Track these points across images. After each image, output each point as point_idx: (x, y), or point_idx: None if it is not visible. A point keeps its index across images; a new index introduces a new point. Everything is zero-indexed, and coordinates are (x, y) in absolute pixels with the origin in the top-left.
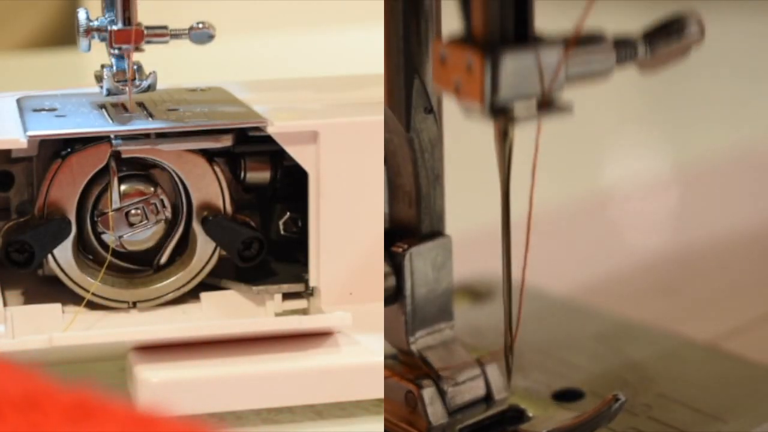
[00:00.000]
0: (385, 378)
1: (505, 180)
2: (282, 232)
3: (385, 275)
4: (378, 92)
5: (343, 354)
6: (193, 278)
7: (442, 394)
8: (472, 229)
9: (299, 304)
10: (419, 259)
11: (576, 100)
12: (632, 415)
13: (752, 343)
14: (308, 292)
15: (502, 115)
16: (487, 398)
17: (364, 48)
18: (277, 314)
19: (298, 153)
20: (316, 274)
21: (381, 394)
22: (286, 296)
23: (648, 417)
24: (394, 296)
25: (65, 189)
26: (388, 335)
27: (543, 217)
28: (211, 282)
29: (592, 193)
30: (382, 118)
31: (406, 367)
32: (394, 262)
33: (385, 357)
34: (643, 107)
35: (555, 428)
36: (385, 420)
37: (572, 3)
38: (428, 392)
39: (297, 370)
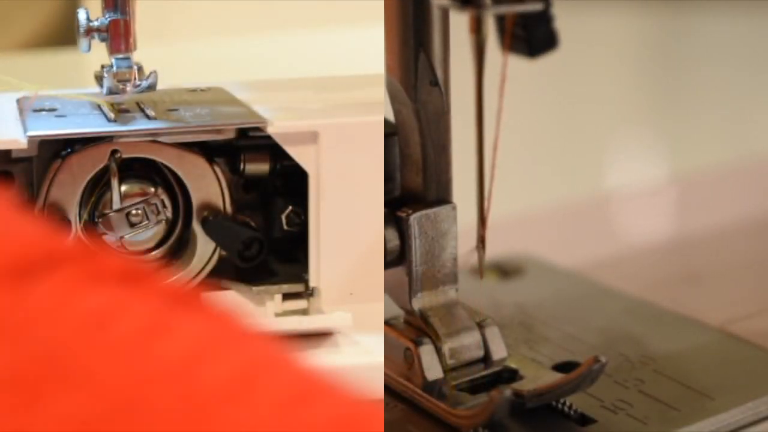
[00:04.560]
0: (386, 335)
1: (478, 76)
2: (285, 227)
3: (390, 240)
4: (378, 92)
5: (343, 354)
6: (193, 278)
7: (439, 352)
8: (515, 212)
9: (299, 304)
10: (423, 223)
11: (577, 101)
12: (624, 388)
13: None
14: (308, 292)
15: (471, 7)
16: (485, 360)
17: (364, 48)
18: (277, 314)
19: (298, 153)
20: (316, 274)
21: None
22: (286, 296)
23: (638, 390)
24: (397, 260)
25: (65, 189)
26: (393, 295)
27: (545, 216)
28: (211, 282)
29: (595, 189)
30: (382, 118)
31: (410, 327)
32: (398, 226)
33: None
34: (644, 107)
35: (537, 387)
36: (385, 375)
37: None
38: (425, 350)
39: None
